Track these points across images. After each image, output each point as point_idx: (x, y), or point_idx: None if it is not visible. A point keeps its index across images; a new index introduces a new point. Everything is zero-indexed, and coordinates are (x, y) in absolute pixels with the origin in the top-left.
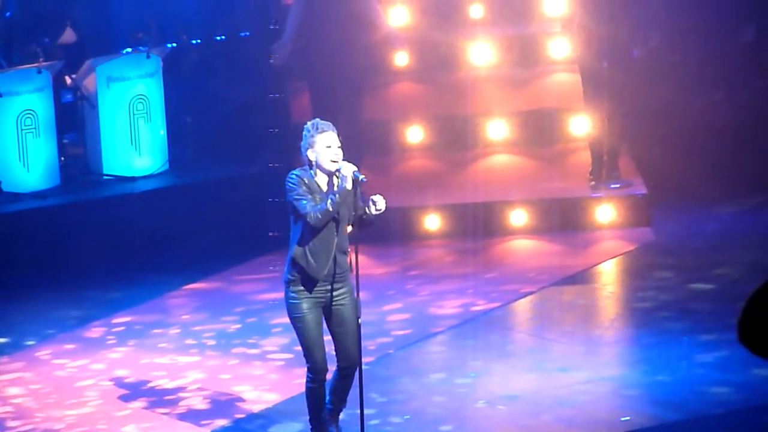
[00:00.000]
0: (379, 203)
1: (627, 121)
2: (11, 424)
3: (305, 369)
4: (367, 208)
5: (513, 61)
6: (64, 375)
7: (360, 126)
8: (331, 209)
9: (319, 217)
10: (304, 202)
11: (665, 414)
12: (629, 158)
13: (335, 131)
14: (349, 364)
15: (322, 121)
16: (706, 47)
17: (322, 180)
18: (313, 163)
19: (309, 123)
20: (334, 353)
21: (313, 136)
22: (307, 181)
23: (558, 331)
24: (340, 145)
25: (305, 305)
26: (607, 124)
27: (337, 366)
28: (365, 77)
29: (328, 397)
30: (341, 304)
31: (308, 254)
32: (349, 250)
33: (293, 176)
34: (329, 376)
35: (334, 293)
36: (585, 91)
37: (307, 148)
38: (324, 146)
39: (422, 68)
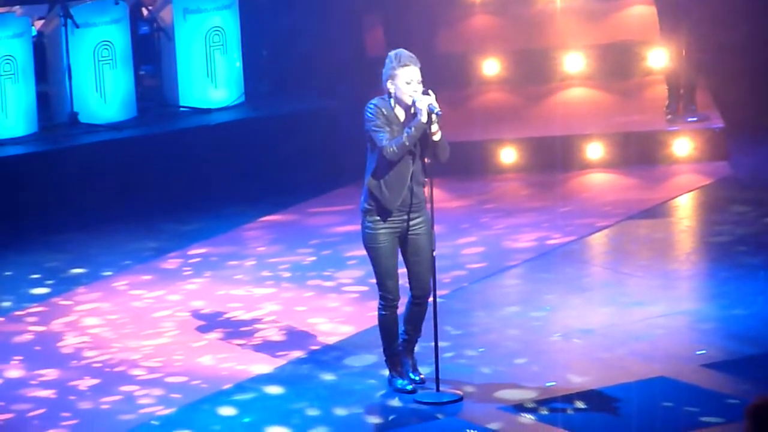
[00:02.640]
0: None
1: (704, 54)
2: (88, 354)
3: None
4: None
5: None
6: (141, 306)
7: (435, 59)
8: (407, 143)
9: (396, 150)
10: (382, 134)
11: (741, 348)
12: (706, 92)
13: (418, 65)
14: (423, 293)
15: (407, 54)
16: None
17: (400, 111)
18: (392, 94)
19: (393, 52)
20: (407, 284)
21: (395, 68)
22: (385, 112)
23: (634, 265)
24: (420, 80)
25: (381, 234)
26: (684, 57)
27: (411, 294)
28: (440, 10)
29: (402, 327)
30: (417, 234)
31: (383, 185)
32: (426, 181)
33: (372, 106)
34: (402, 307)
35: (410, 223)
36: (662, 24)
37: (388, 79)
38: (404, 81)
39: (499, 1)
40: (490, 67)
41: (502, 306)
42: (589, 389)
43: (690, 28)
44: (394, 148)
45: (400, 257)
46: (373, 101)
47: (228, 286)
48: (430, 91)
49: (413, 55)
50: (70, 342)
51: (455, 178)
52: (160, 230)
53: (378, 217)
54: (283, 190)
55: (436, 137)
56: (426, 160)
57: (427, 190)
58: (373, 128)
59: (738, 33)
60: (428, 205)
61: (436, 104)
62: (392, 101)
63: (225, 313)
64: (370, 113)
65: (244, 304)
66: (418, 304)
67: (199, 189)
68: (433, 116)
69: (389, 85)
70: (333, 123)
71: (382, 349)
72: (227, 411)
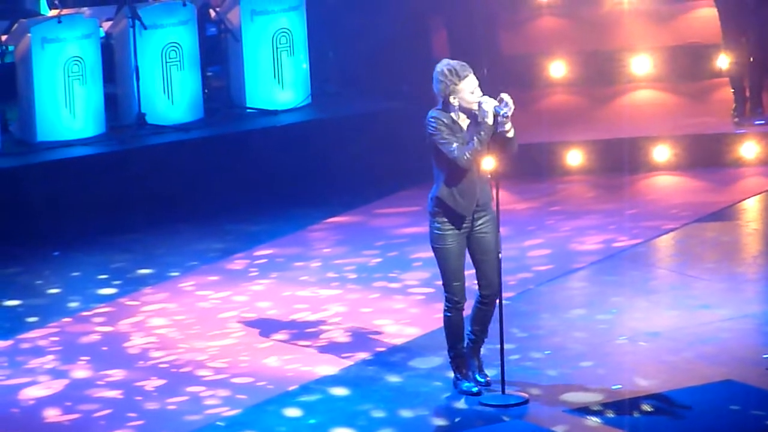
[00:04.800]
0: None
1: None
2: (155, 354)
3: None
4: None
5: None
6: (207, 306)
7: (501, 61)
8: (480, 148)
9: (469, 157)
10: (452, 145)
11: None
12: None
13: (472, 70)
14: (491, 291)
15: (460, 64)
16: None
17: (463, 119)
18: (456, 107)
19: (444, 68)
20: (473, 284)
21: (455, 83)
22: (447, 122)
23: (700, 268)
24: (478, 83)
25: (449, 235)
26: (749, 59)
27: (479, 294)
28: (506, 12)
29: (469, 328)
30: (484, 233)
31: (456, 193)
32: (490, 177)
33: (432, 119)
34: (468, 309)
35: (478, 222)
36: (726, 27)
37: (449, 95)
38: (468, 92)
39: (565, 2)
40: (557, 69)
41: (568, 308)
42: (656, 392)
43: (756, 29)
44: (467, 155)
45: (468, 259)
46: (432, 114)
47: (294, 287)
48: (503, 95)
49: (464, 63)
50: (136, 342)
51: (521, 180)
52: (226, 231)
53: (447, 220)
54: (349, 191)
55: (510, 134)
56: (490, 161)
57: (492, 188)
58: (440, 141)
59: None
60: (494, 204)
61: (509, 102)
62: (455, 112)
63: (291, 314)
64: (432, 127)
65: (309, 306)
66: (485, 303)
67: (265, 190)
68: (499, 118)
69: (452, 100)
70: (399, 124)
71: (447, 351)
72: (293, 412)
